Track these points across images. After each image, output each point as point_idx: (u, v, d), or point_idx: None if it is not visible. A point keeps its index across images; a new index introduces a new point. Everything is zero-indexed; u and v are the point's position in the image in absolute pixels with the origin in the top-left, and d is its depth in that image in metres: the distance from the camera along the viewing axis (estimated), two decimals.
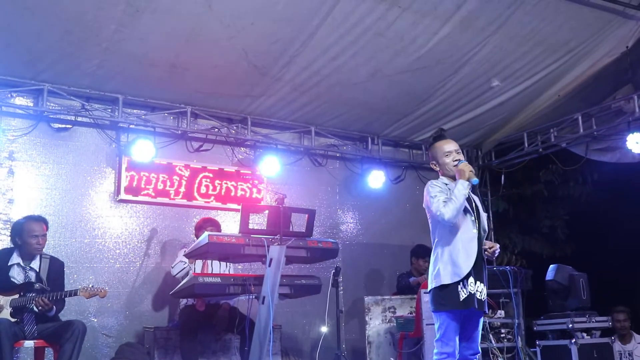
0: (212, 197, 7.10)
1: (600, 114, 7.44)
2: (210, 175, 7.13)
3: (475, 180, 4.02)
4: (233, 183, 7.22)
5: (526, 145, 8.11)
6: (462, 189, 3.95)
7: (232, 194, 7.20)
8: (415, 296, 6.27)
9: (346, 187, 8.09)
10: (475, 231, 4.01)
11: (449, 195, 3.99)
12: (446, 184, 4.09)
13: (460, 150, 4.20)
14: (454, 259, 3.93)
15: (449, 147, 4.16)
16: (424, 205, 4.13)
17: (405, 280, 7.16)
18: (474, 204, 4.11)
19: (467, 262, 3.92)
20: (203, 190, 7.06)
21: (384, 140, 8.20)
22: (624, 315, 7.27)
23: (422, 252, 7.08)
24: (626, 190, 8.39)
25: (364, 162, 8.10)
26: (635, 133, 6.92)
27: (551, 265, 7.01)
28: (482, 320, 4.09)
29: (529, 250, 9.78)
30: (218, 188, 7.14)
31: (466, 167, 4.04)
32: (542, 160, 8.53)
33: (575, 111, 7.49)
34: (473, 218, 4.03)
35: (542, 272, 6.98)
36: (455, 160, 4.12)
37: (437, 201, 3.96)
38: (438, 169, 4.17)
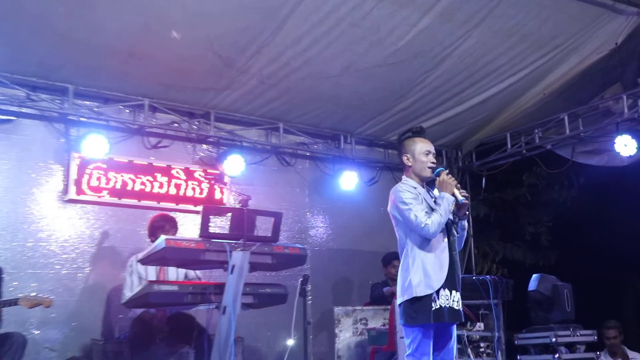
0: (170, 198, 7.06)
1: (587, 114, 7.55)
2: (169, 174, 7.09)
3: (462, 199, 4.09)
4: (194, 183, 7.19)
5: (509, 146, 8.18)
6: (447, 205, 4.02)
7: (193, 194, 7.17)
8: (389, 307, 6.30)
9: (316, 189, 8.11)
10: (446, 240, 4.08)
11: (419, 201, 4.03)
12: (415, 188, 4.14)
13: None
14: (426, 270, 3.97)
15: (429, 146, 4.24)
16: (389, 210, 4.17)
17: (379, 290, 7.20)
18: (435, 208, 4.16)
19: (440, 273, 3.97)
20: (160, 190, 7.01)
21: (358, 138, 8.23)
22: (614, 331, 7.29)
23: (392, 258, 7.13)
24: (614, 195, 8.54)
25: (335, 162, 8.13)
26: (624, 135, 7.03)
27: (534, 275, 7.07)
28: (455, 329, 4.12)
29: (511, 259, 9.90)
30: (177, 188, 7.11)
31: (451, 181, 4.11)
32: (525, 162, 8.62)
33: (561, 111, 7.59)
34: (442, 226, 4.09)
35: (525, 282, 7.04)
36: (432, 163, 4.19)
37: (416, 211, 3.99)
38: (410, 164, 4.21)
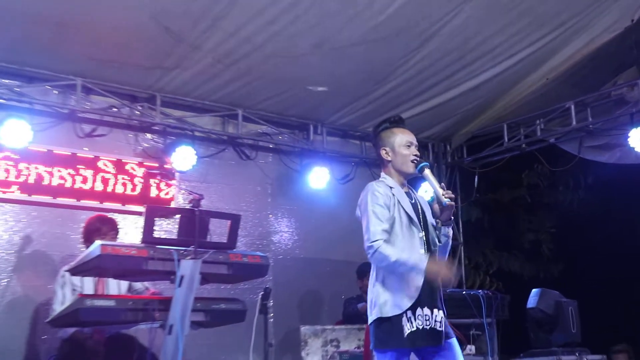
0: (107, 196, 7.00)
1: (597, 103, 7.63)
2: (105, 167, 7.03)
3: (446, 201, 4.05)
4: (126, 177, 7.13)
5: (506, 139, 8.25)
6: (417, 265, 3.92)
7: (123, 191, 7.11)
8: (364, 326, 6.24)
9: (281, 187, 8.12)
10: (423, 251, 4.04)
11: (389, 212, 3.99)
12: (391, 188, 4.11)
13: None
14: (395, 287, 3.95)
15: (411, 137, 4.25)
16: (357, 213, 4.16)
17: (353, 306, 7.21)
18: (421, 213, 4.12)
19: (412, 290, 3.92)
20: (94, 186, 6.93)
21: (330, 129, 8.27)
22: (624, 355, 7.40)
23: (368, 270, 7.13)
24: (627, 197, 8.63)
25: (303, 156, 8.15)
26: (639, 127, 7.11)
27: (534, 290, 7.12)
28: (454, 345, 4.06)
29: (507, 270, 9.98)
30: (115, 184, 7.05)
31: (450, 206, 4.06)
32: (525, 158, 8.71)
33: (567, 99, 7.66)
34: (421, 234, 4.07)
35: (523, 298, 7.09)
36: (415, 156, 4.18)
37: (376, 225, 3.95)
38: (389, 158, 4.21)
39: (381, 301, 3.95)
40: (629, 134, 7.14)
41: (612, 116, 7.47)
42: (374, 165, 8.46)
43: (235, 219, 5.31)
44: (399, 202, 4.09)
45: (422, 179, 4.22)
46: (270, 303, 6.38)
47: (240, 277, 5.66)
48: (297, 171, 8.14)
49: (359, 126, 8.32)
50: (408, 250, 3.96)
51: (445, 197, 4.05)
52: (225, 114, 7.63)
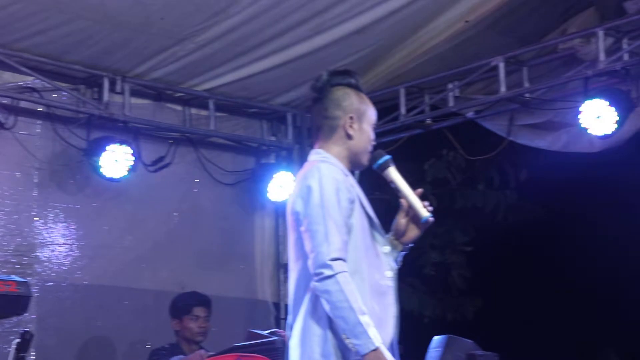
0: None
1: (536, 61, 7.91)
2: None
3: (427, 216, 4.21)
4: None
5: (402, 111, 8.45)
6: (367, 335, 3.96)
7: None
8: None
9: (55, 175, 8.09)
10: (390, 275, 4.20)
11: (348, 211, 4.05)
12: (347, 176, 4.19)
13: None
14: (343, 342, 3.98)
15: (375, 115, 4.39)
16: (293, 210, 4.14)
17: None
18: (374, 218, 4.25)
19: (380, 333, 3.99)
20: None
21: (136, 86, 8.27)
22: None
23: (192, 304, 7.24)
24: (578, 202, 8.91)
25: (93, 126, 8.11)
26: (596, 99, 7.33)
27: (436, 338, 7.28)
28: None
29: (399, 308, 10.15)
30: None
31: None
32: (430, 140, 8.93)
33: (494, 54, 7.87)
34: (387, 249, 4.21)
35: (422, 349, 7.24)
36: (372, 146, 4.33)
37: (335, 235, 3.94)
38: (352, 133, 4.25)
39: (324, 352, 3.97)
40: (581, 108, 7.37)
41: (557, 81, 7.72)
42: (208, 145, 8.52)
43: None
44: (359, 198, 4.17)
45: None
46: (32, 354, 6.32)
47: None
48: (81, 150, 8.05)
49: (181, 83, 8.39)
50: (374, 284, 4.07)
51: (427, 212, 4.20)
52: None
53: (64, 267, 8.02)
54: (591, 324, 9.46)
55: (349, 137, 4.24)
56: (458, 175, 10.07)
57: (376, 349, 3.84)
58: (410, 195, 4.22)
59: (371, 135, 4.31)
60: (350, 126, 4.24)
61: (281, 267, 8.80)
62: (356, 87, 4.34)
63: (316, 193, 3.99)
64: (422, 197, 4.22)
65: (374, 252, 4.13)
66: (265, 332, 6.53)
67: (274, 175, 8.58)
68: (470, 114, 8.29)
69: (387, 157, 4.32)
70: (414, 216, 4.23)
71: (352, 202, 4.07)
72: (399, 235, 4.28)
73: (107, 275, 8.18)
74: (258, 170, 8.94)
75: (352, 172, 4.30)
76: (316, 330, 3.98)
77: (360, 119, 4.27)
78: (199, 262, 8.64)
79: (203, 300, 7.34)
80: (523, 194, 10.08)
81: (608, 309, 9.44)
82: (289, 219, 4.16)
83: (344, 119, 4.24)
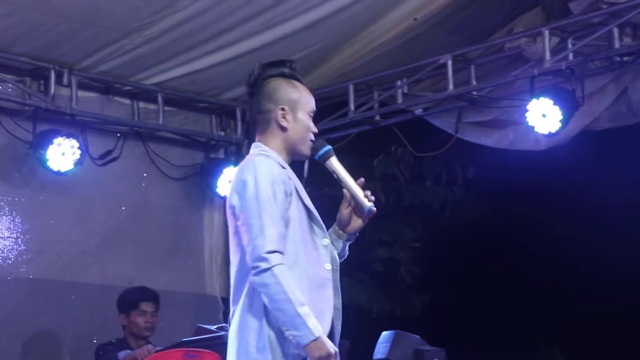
0: None
1: (483, 59, 7.98)
2: None
3: (369, 206, 4.21)
4: None
5: (351, 107, 8.46)
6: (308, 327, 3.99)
7: None
8: None
9: (0, 167, 8.02)
10: (329, 268, 4.18)
11: (285, 204, 4.06)
12: (284, 169, 4.20)
13: None
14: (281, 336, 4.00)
15: (312, 102, 4.35)
16: (230, 204, 4.14)
17: (110, 355, 7.20)
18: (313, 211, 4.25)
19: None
20: None
21: (84, 79, 8.22)
22: None
23: (140, 299, 7.25)
24: (524, 199, 8.95)
25: (39, 119, 8.04)
26: (542, 98, 7.41)
27: (384, 333, 7.30)
28: None
29: (347, 304, 10.15)
30: None
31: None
32: (379, 136, 8.96)
33: (442, 52, 7.91)
34: (326, 242, 4.20)
35: (370, 344, 7.26)
36: (311, 129, 4.30)
37: (271, 227, 3.95)
38: (286, 124, 4.23)
39: (260, 345, 3.98)
40: (528, 107, 7.44)
41: (504, 79, 7.79)
42: (157, 139, 8.49)
43: None
44: (296, 190, 4.17)
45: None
46: None
47: None
48: (27, 143, 7.98)
49: (129, 77, 8.34)
50: (312, 277, 4.06)
51: (368, 202, 4.21)
52: None
53: (9, 261, 7.96)
54: (538, 320, 9.51)
55: (283, 129, 4.22)
56: (406, 171, 10.06)
57: (317, 339, 3.87)
58: (353, 185, 4.21)
59: (308, 123, 4.26)
60: (284, 117, 4.21)
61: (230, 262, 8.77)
62: (291, 76, 4.31)
63: (251, 187, 3.99)
64: (371, 192, 4.22)
65: (312, 244, 4.11)
66: (213, 327, 6.55)
67: (223, 170, 8.54)
68: (418, 111, 8.33)
69: (328, 147, 4.31)
70: (356, 206, 4.22)
71: (289, 194, 4.07)
72: (342, 226, 4.28)
73: (53, 270, 8.13)
74: (207, 165, 8.92)
75: (296, 164, 4.32)
76: (252, 324, 4.00)
77: (294, 108, 4.24)
78: (147, 257, 8.61)
79: (151, 295, 7.35)
80: (470, 190, 10.10)
81: (553, 304, 9.50)
82: (227, 212, 4.15)
83: (275, 111, 4.22)
